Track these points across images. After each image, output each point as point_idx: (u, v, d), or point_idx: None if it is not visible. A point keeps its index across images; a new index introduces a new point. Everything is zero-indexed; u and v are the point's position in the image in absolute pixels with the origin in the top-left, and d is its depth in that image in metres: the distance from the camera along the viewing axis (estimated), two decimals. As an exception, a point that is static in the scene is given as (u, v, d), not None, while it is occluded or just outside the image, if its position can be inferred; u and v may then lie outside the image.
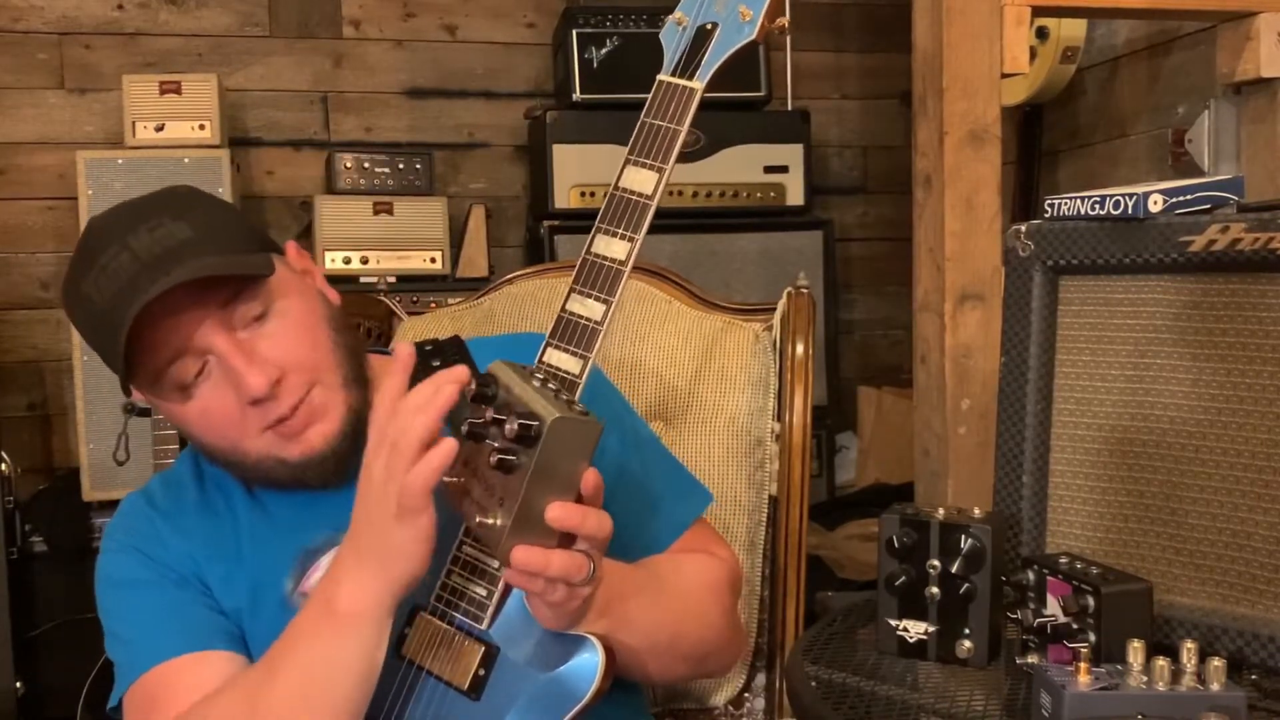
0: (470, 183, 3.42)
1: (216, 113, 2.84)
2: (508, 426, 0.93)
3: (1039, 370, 1.21)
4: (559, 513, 0.95)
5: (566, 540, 0.97)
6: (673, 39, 1.07)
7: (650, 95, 1.06)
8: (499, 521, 0.95)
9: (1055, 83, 2.95)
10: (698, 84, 1.05)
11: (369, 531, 1.00)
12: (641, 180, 1.04)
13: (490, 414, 0.95)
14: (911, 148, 2.17)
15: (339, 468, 1.14)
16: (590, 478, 0.97)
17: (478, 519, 0.96)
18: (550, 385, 0.98)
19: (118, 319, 1.04)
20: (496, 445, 0.94)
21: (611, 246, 1.04)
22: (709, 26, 1.06)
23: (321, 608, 1.03)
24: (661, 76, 1.06)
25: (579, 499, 0.97)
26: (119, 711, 1.16)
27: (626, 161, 1.05)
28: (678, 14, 1.08)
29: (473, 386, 0.97)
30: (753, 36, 1.05)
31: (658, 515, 1.25)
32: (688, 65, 1.06)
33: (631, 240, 1.03)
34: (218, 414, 1.10)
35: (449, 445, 0.95)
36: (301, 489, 1.15)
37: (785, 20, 1.07)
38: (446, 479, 0.98)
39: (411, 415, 0.97)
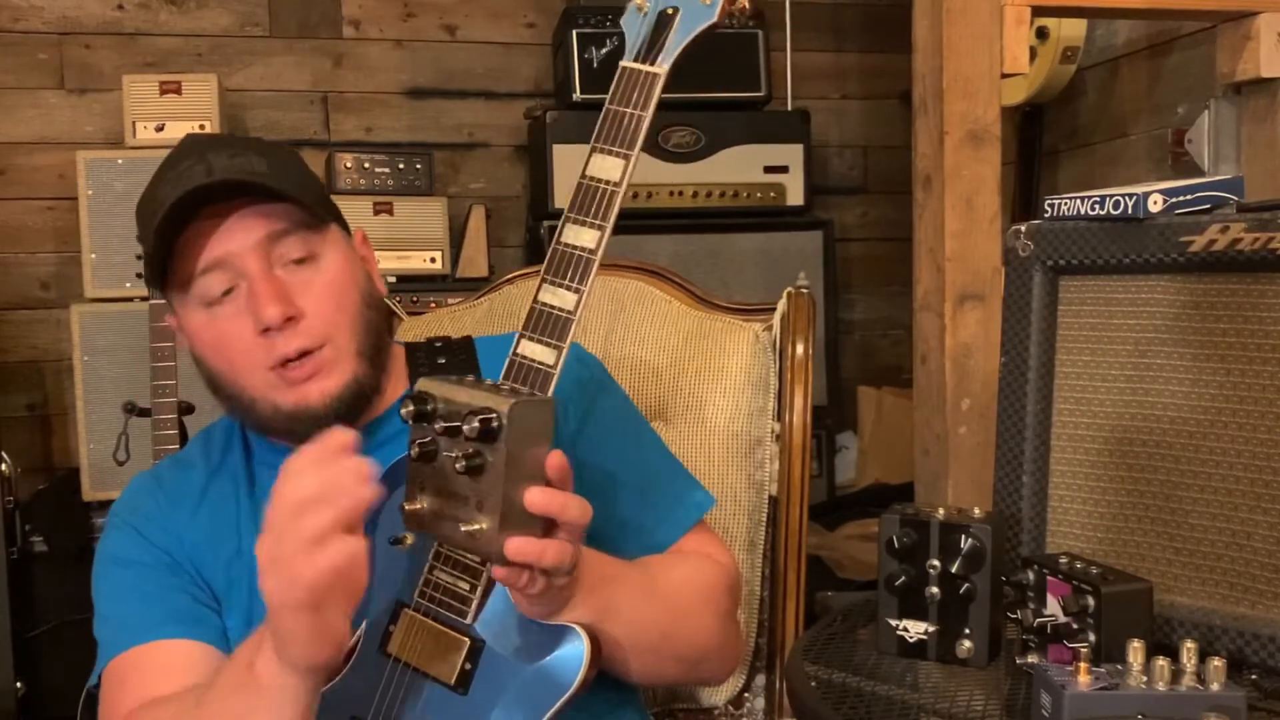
0: (470, 183, 3.41)
1: (216, 113, 2.83)
2: (466, 427, 0.93)
3: (1039, 370, 1.20)
4: (539, 497, 0.95)
5: (548, 530, 0.97)
6: (634, 25, 1.06)
7: (614, 82, 1.05)
8: (485, 525, 0.94)
9: (1055, 83, 2.94)
10: (660, 69, 1.04)
11: (269, 609, 0.95)
12: (608, 168, 1.04)
13: (439, 426, 0.95)
14: (911, 148, 2.17)
15: None
16: (554, 459, 0.97)
17: (462, 529, 0.95)
18: (484, 381, 0.99)
19: (166, 203, 1.09)
20: (457, 454, 0.94)
21: (581, 235, 1.03)
22: (670, 11, 1.05)
23: (244, 666, 1.00)
24: (624, 63, 1.06)
25: (547, 484, 0.97)
26: (99, 690, 1.16)
27: (593, 150, 1.05)
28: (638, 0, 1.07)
29: (409, 408, 0.96)
30: (713, 19, 1.04)
31: (657, 516, 1.24)
32: (650, 50, 1.05)
33: (600, 228, 1.03)
34: (231, 338, 1.13)
35: (342, 550, 0.91)
36: (292, 443, 1.14)
37: (745, 2, 1.07)
38: (408, 506, 0.97)
39: (304, 510, 0.91)
